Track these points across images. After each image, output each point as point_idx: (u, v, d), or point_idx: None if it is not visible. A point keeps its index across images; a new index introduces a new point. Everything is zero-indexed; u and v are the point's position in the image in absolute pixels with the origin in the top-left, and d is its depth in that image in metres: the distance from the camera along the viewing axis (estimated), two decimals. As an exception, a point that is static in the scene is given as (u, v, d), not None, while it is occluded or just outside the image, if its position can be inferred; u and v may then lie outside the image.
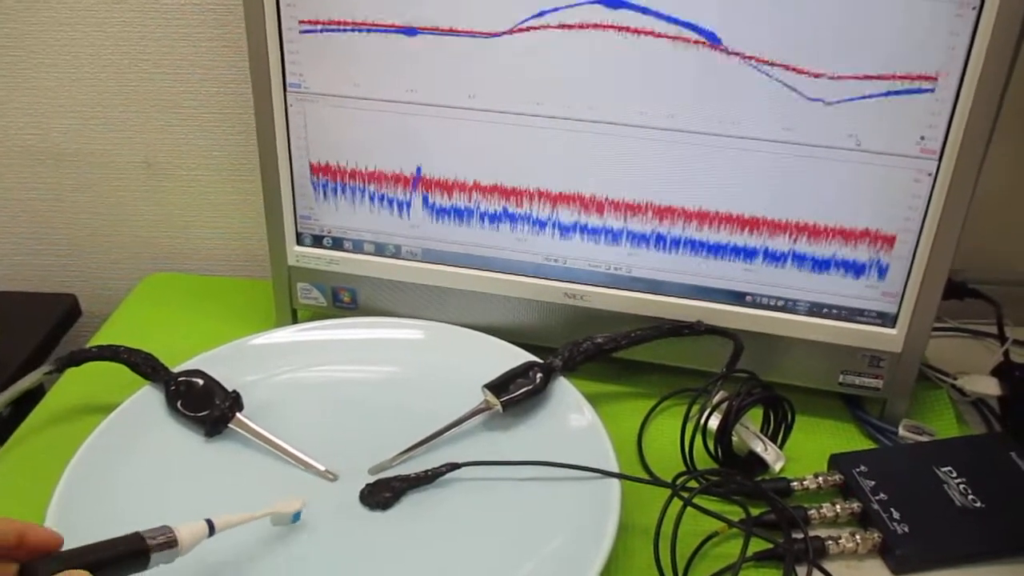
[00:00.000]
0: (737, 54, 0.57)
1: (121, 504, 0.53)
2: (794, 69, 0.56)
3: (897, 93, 0.56)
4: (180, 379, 0.61)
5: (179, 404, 0.60)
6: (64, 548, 0.41)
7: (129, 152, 0.84)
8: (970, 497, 0.56)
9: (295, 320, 0.74)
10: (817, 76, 0.56)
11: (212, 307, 0.79)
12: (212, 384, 0.61)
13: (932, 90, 0.55)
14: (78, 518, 0.50)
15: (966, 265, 0.73)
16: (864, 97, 0.56)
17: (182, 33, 0.78)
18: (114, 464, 0.56)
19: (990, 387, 0.67)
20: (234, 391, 0.61)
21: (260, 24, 0.62)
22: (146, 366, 0.62)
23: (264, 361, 0.65)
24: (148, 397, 0.61)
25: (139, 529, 0.43)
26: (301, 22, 0.62)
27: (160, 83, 0.80)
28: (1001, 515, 0.55)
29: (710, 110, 0.59)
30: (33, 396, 0.67)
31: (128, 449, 0.57)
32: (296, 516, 0.52)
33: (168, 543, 0.43)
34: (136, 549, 0.42)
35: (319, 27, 0.62)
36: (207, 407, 0.59)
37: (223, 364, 0.63)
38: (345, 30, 0.62)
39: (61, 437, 0.62)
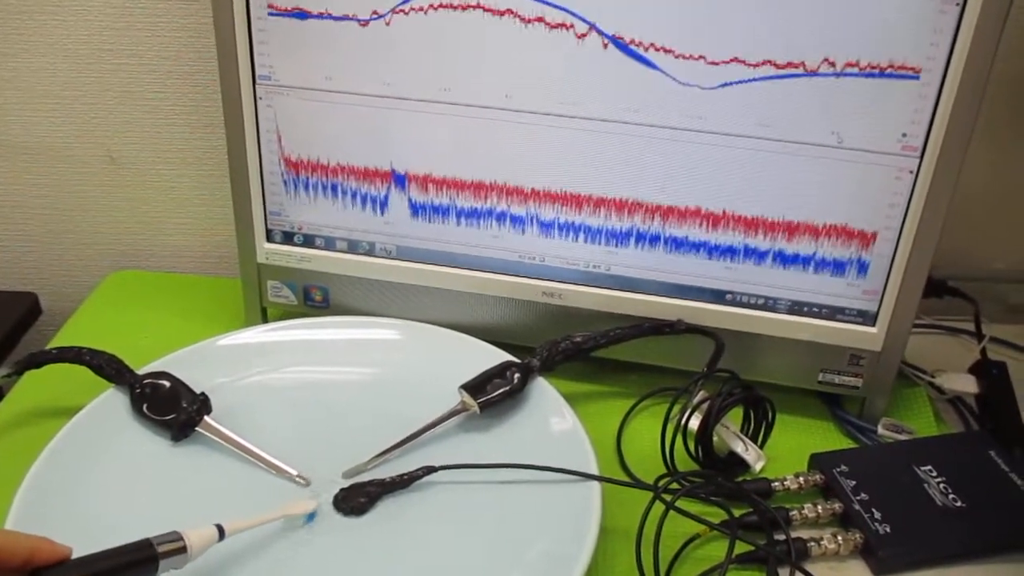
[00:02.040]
0: (712, 58, 0.56)
1: (85, 512, 0.51)
2: (773, 64, 0.56)
3: (879, 88, 0.55)
4: (145, 381, 0.59)
5: (145, 407, 0.58)
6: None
7: (91, 145, 0.81)
8: (951, 497, 0.56)
9: (265, 319, 0.72)
10: (798, 72, 0.56)
11: (178, 306, 0.77)
12: (179, 386, 0.59)
13: (915, 85, 0.55)
14: (40, 527, 0.47)
15: (943, 262, 0.73)
16: (847, 93, 0.55)
17: (147, 22, 0.76)
18: (77, 471, 0.54)
19: (968, 385, 0.67)
20: (202, 393, 0.59)
21: (228, 12, 0.60)
22: (110, 368, 0.60)
23: (233, 362, 0.64)
24: (112, 400, 0.59)
25: (104, 536, 0.42)
26: (271, 7, 0.60)
27: (123, 74, 0.78)
28: (982, 515, 0.55)
29: (688, 106, 0.58)
30: (-9, 399, 0.65)
31: (92, 455, 0.55)
32: (311, 516, 0.51)
33: (178, 550, 0.43)
34: (145, 556, 0.42)
35: (289, 14, 0.60)
36: (174, 410, 0.58)
37: (190, 365, 0.61)
38: (316, 17, 0.60)
39: (21, 443, 0.60)
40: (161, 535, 0.43)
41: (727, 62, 0.56)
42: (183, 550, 0.43)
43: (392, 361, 0.65)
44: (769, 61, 0.56)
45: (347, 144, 0.64)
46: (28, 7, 0.75)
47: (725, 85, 0.57)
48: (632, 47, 0.57)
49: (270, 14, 0.60)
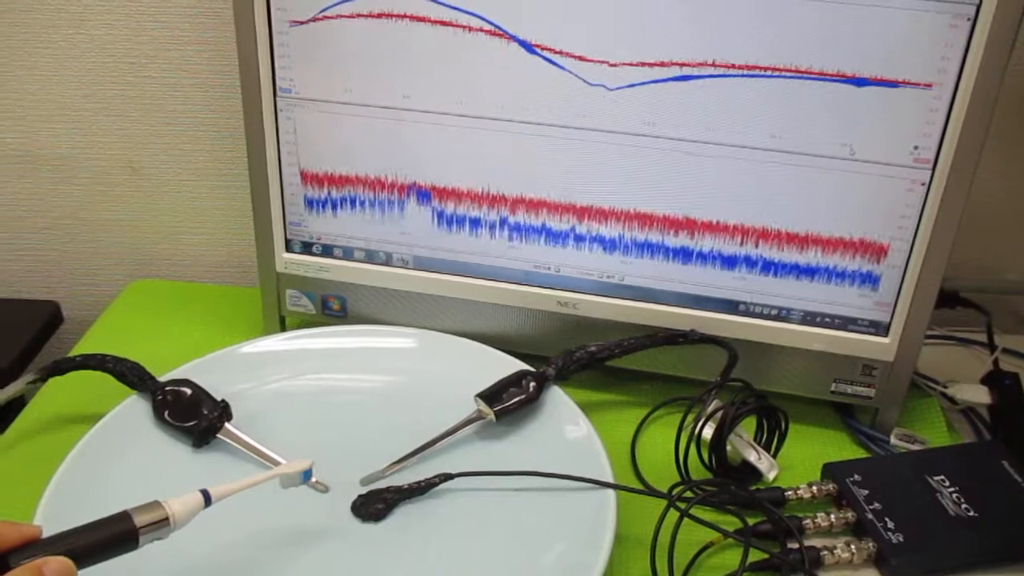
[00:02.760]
0: (729, 65, 0.57)
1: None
2: (786, 75, 0.56)
3: (892, 101, 0.56)
4: (167, 388, 0.60)
5: (166, 414, 0.59)
6: None
7: (113, 156, 0.83)
8: (963, 506, 0.56)
9: (283, 328, 0.73)
10: (812, 83, 0.56)
11: (199, 314, 0.78)
12: (200, 393, 0.60)
13: (927, 97, 0.55)
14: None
15: (955, 273, 0.74)
16: (859, 105, 0.56)
17: (169, 36, 0.77)
18: (100, 476, 0.54)
19: (980, 396, 0.67)
20: (223, 400, 0.60)
21: (250, 27, 0.61)
22: (132, 375, 0.61)
23: (253, 370, 0.65)
24: (134, 407, 0.60)
25: None
26: (292, 23, 0.61)
27: (146, 86, 0.79)
28: (994, 524, 0.55)
29: (699, 118, 0.59)
30: (14, 406, 0.65)
31: (114, 461, 0.56)
32: (307, 474, 0.50)
33: (159, 522, 0.41)
34: (123, 530, 0.40)
35: (310, 23, 0.61)
36: (195, 417, 0.58)
37: (211, 373, 0.62)
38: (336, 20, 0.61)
39: (44, 449, 0.61)
40: (140, 506, 0.41)
41: (738, 71, 0.57)
42: (165, 522, 0.41)
43: (409, 370, 0.66)
44: (782, 72, 0.56)
45: (365, 155, 0.65)
46: (54, 22, 0.77)
47: (738, 96, 0.57)
48: (643, 59, 0.58)
49: (291, 26, 0.62)
